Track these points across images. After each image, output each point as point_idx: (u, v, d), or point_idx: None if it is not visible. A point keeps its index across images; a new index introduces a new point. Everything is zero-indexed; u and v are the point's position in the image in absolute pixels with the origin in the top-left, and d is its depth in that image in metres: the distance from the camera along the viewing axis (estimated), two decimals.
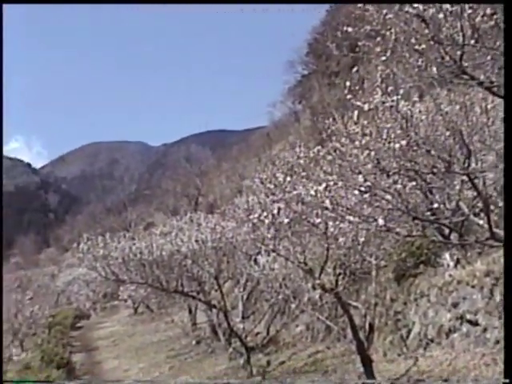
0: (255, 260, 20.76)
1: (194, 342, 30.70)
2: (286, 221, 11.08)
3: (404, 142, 8.83)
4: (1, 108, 17.97)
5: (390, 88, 8.88)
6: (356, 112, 8.90)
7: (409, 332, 18.40)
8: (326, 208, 9.54)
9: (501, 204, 9.55)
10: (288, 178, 11.10)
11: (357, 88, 9.07)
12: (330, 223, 10.93)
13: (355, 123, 9.13)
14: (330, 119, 10.86)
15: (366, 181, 9.03)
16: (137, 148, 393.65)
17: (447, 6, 8.18)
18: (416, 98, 10.15)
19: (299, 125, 60.33)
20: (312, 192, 9.63)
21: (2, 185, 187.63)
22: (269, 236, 13.08)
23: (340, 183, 9.42)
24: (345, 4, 49.27)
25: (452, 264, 18.03)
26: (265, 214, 11.64)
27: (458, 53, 8.48)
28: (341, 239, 11.57)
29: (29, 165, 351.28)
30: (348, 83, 9.01)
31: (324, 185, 9.43)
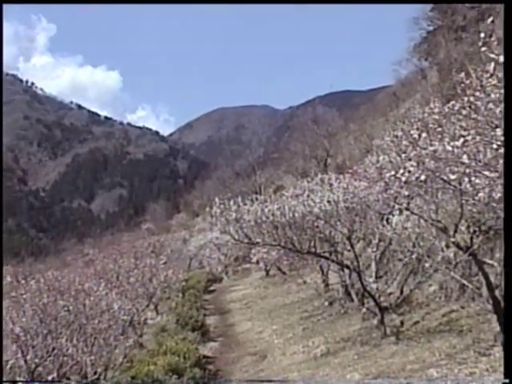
0: (387, 219, 20.65)
1: (326, 303, 30.70)
2: (423, 177, 10.94)
3: None
4: (0, 104, 18.50)
5: None
6: (492, 64, 8.71)
7: None
8: (462, 163, 9.42)
9: None
10: (424, 135, 10.97)
11: (492, 39, 8.87)
12: (465, 179, 10.74)
13: (491, 75, 8.94)
14: (463, 74, 10.62)
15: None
16: (263, 112, 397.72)
17: None
18: None
19: (426, 82, 58.91)
20: (449, 148, 9.51)
21: (2, 185, 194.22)
22: (406, 193, 12.99)
23: (478, 138, 9.26)
24: None
25: None
26: (401, 171, 11.52)
27: None
28: (479, 195, 11.32)
29: (157, 132, 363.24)
30: (482, 35, 8.81)
31: (462, 140, 9.30)
